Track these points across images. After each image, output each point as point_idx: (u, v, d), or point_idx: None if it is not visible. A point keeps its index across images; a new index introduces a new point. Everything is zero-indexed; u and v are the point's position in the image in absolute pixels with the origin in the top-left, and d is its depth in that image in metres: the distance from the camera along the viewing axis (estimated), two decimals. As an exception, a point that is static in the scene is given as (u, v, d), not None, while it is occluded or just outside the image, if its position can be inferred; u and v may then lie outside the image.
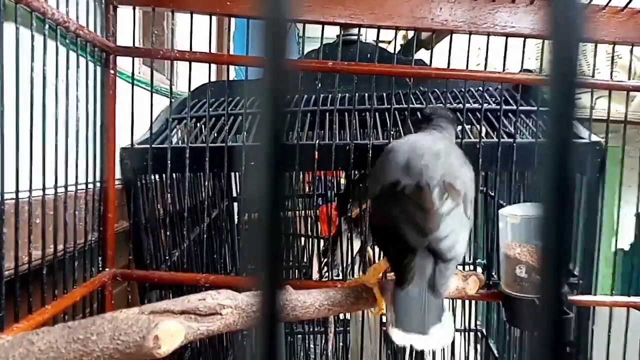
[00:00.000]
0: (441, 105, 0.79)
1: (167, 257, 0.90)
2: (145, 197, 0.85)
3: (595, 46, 0.89)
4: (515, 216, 0.74)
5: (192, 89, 0.86)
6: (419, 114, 0.80)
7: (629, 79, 0.93)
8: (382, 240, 0.65)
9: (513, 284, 0.74)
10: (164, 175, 0.85)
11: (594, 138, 0.85)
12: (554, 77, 0.16)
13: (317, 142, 0.86)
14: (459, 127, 0.90)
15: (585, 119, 0.89)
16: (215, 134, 0.96)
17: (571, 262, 0.87)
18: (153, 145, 0.84)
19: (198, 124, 0.99)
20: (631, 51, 0.93)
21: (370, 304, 0.67)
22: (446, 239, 0.59)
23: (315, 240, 1.40)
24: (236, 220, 1.34)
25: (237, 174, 0.97)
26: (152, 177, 0.85)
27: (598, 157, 0.84)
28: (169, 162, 0.82)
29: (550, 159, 0.16)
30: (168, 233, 0.88)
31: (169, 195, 0.85)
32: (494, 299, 0.83)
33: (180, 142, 0.99)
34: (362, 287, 0.67)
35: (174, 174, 0.88)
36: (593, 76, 0.91)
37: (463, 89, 0.94)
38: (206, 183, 0.92)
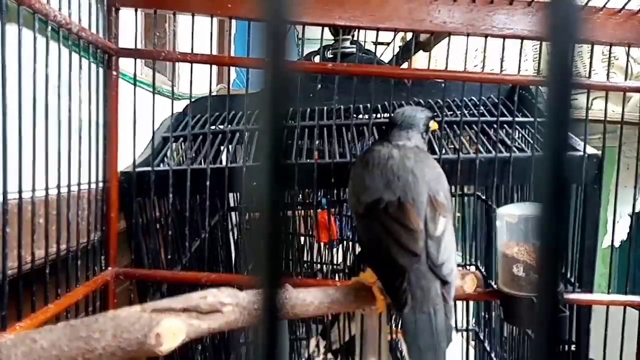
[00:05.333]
0: (406, 107, 0.76)
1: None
2: (145, 215, 0.86)
3: (592, 47, 0.90)
4: (513, 215, 0.74)
5: (193, 90, 0.87)
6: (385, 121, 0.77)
7: (626, 80, 0.94)
8: (372, 260, 0.65)
9: (510, 283, 0.75)
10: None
11: (591, 150, 0.86)
12: (550, 78, 0.17)
13: (317, 143, 0.87)
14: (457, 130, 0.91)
15: (582, 119, 0.90)
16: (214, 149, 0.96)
17: (566, 268, 0.89)
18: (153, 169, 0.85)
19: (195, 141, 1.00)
20: (627, 52, 0.94)
21: (370, 302, 0.68)
22: (447, 262, 0.60)
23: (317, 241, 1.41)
24: (231, 229, 1.34)
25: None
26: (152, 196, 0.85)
27: (595, 169, 0.86)
28: (160, 183, 0.83)
29: (547, 158, 0.17)
30: (168, 248, 0.88)
31: (167, 210, 0.86)
32: (492, 297, 0.84)
33: (177, 160, 0.99)
34: (360, 285, 0.68)
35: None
36: (589, 77, 0.92)
37: (461, 96, 0.95)
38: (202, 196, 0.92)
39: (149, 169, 0.84)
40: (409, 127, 0.72)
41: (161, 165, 0.88)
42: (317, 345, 1.19)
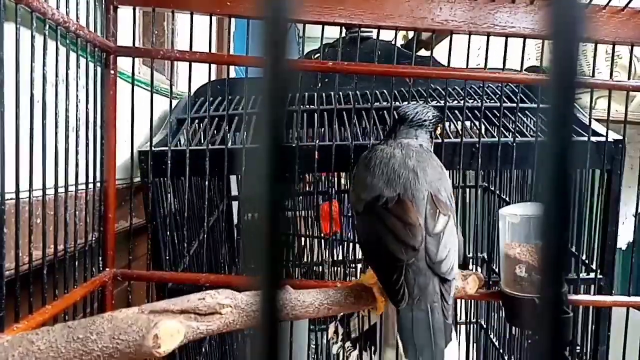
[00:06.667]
0: (415, 103, 0.74)
1: (185, 256, 0.90)
2: (161, 200, 0.85)
3: (595, 46, 0.89)
4: (515, 216, 0.74)
5: (192, 89, 0.86)
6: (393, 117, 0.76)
7: (629, 79, 0.93)
8: (371, 257, 0.65)
9: (513, 284, 0.74)
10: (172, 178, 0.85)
11: (614, 136, 0.86)
12: (553, 77, 0.16)
13: (317, 142, 0.86)
14: (461, 124, 0.90)
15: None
16: (215, 133, 0.95)
17: (584, 254, 0.89)
18: (159, 148, 0.84)
19: (201, 125, 0.99)
20: (631, 51, 0.93)
21: (370, 303, 0.67)
22: (447, 259, 0.60)
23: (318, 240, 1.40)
24: (235, 220, 1.34)
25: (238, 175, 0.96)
26: (163, 179, 0.85)
27: (619, 154, 0.85)
28: (168, 165, 0.82)
29: (550, 159, 0.16)
30: (183, 232, 0.87)
31: (180, 196, 0.85)
32: (494, 298, 0.83)
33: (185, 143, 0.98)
34: (361, 287, 0.67)
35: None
36: (593, 76, 0.91)
37: (464, 86, 0.94)
38: (207, 183, 0.91)
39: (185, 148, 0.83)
40: (419, 125, 0.71)
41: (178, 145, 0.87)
42: (336, 332, 1.18)
